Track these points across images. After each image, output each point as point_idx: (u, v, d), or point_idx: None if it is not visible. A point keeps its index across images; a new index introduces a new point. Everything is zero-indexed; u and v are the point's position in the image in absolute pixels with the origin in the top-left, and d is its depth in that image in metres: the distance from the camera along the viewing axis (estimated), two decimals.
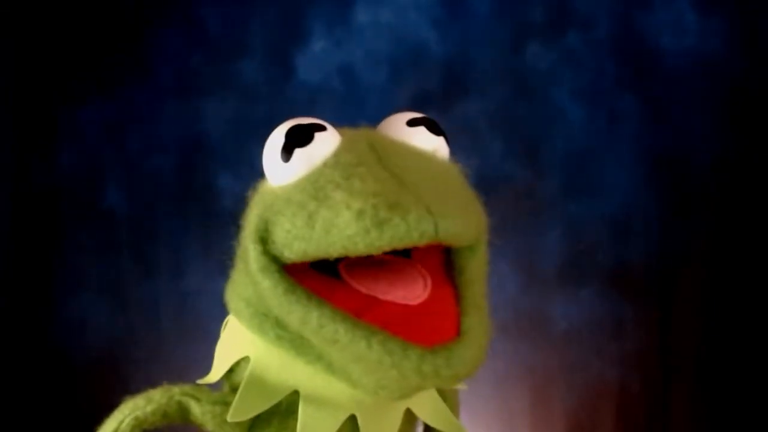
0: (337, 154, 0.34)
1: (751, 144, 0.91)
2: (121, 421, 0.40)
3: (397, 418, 0.37)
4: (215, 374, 0.40)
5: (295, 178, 0.35)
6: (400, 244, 0.30)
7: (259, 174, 1.01)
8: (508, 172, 0.91)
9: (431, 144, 0.37)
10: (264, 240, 0.35)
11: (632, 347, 0.93)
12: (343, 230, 0.31)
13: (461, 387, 0.44)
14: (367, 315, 0.32)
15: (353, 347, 0.32)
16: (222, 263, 0.95)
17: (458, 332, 0.32)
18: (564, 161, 0.92)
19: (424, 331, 0.32)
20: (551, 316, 0.92)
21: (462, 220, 0.32)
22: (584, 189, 0.92)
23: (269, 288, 0.34)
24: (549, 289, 0.90)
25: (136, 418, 0.39)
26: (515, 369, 0.90)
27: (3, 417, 0.93)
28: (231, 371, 0.39)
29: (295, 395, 0.36)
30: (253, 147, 1.04)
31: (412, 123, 0.37)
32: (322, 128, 0.35)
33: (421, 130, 0.37)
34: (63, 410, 0.94)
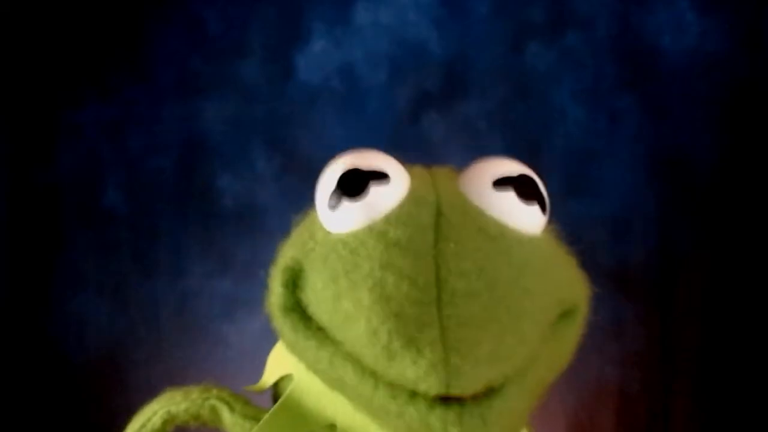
0: (391, 219, 0.30)
1: (751, 144, 0.91)
2: (155, 413, 0.39)
3: None
4: (262, 384, 0.39)
5: (340, 231, 0.31)
6: (405, 384, 0.27)
7: (258, 174, 1.01)
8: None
9: (518, 216, 0.31)
10: (294, 283, 0.31)
11: (632, 347, 0.93)
12: (356, 335, 0.28)
13: None
14: None
15: (360, 389, 0.29)
16: (222, 263, 0.96)
17: (489, 390, 0.27)
18: (564, 161, 0.92)
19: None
20: None
21: (486, 374, 0.27)
22: (584, 189, 0.92)
23: (288, 330, 0.31)
24: None
25: (169, 413, 0.39)
26: None
27: (2, 417, 0.93)
28: (277, 384, 0.38)
29: (331, 430, 0.34)
30: (253, 147, 1.05)
31: (499, 183, 0.31)
32: (383, 177, 0.30)
33: (509, 197, 0.31)
34: (62, 410, 0.94)
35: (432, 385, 0.26)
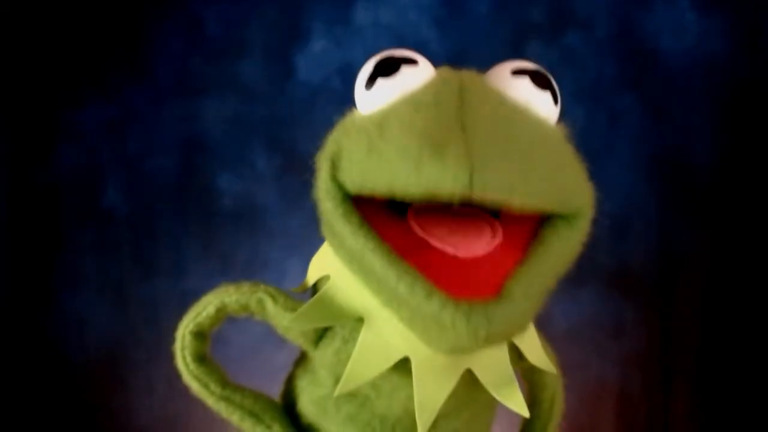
0: (419, 91, 0.34)
1: (751, 144, 0.91)
2: (209, 302, 0.42)
3: (454, 375, 0.36)
4: (304, 285, 0.42)
5: (375, 108, 0.34)
6: (435, 189, 0.29)
7: (258, 174, 1.01)
8: None
9: (532, 98, 0.35)
10: (334, 164, 0.34)
11: (632, 347, 0.93)
12: (389, 164, 0.31)
13: (551, 369, 0.42)
14: (411, 256, 0.32)
15: (385, 281, 0.31)
16: (222, 263, 0.96)
17: (497, 294, 0.31)
18: None
19: (460, 285, 0.31)
20: (551, 315, 0.92)
21: (509, 177, 0.29)
22: None
23: (330, 210, 0.34)
24: None
25: (222, 302, 0.41)
26: (515, 369, 0.90)
27: (2, 417, 0.93)
28: (316, 285, 0.41)
29: (361, 322, 0.37)
30: (253, 147, 1.05)
31: (517, 72, 0.35)
32: (413, 62, 0.35)
33: (525, 82, 0.35)
34: (62, 410, 0.94)
35: (458, 180, 0.28)
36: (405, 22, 0.94)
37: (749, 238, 0.91)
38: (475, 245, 0.33)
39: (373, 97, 0.35)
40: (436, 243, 0.33)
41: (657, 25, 0.92)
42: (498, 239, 0.34)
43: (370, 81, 0.35)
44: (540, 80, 0.36)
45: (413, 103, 0.32)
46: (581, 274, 1.00)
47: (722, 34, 0.91)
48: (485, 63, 0.98)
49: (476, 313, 0.29)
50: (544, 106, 0.35)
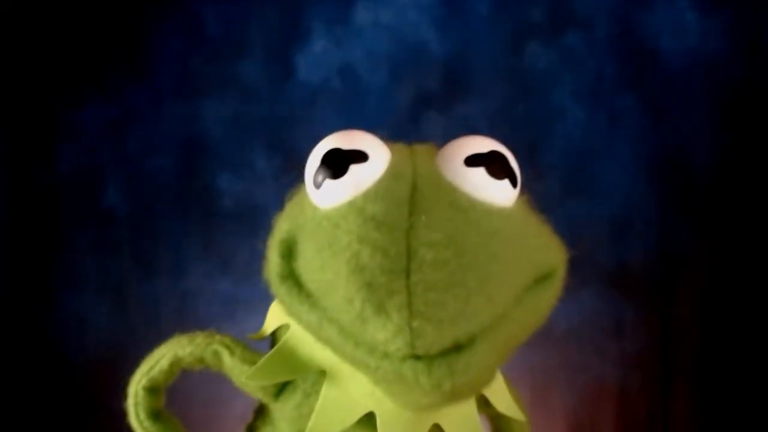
0: (369, 196, 0.32)
1: (751, 144, 0.91)
2: (163, 355, 0.41)
3: (421, 429, 0.35)
4: (262, 333, 0.41)
5: (325, 206, 0.33)
6: (379, 347, 0.29)
7: (258, 174, 1.01)
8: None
9: (488, 190, 0.32)
10: (290, 252, 0.34)
11: (632, 347, 0.93)
12: (336, 303, 0.30)
13: (519, 417, 0.41)
14: None
15: (343, 348, 0.31)
16: (222, 263, 0.95)
17: (454, 345, 0.29)
18: (564, 161, 0.92)
19: None
20: (551, 316, 0.92)
21: (450, 333, 0.29)
22: (584, 189, 0.92)
23: (284, 294, 0.34)
24: None
25: (176, 356, 0.41)
26: (515, 369, 0.90)
27: (2, 417, 0.93)
28: (275, 333, 0.40)
29: (323, 375, 0.36)
30: (253, 147, 1.05)
31: (470, 162, 0.33)
32: (362, 158, 0.33)
33: (479, 173, 0.32)
34: (62, 410, 0.94)
35: (399, 347, 0.28)
36: (405, 22, 0.94)
37: (749, 238, 0.91)
38: None
39: (322, 196, 0.33)
40: None
41: (657, 25, 0.92)
42: None
43: (318, 178, 0.33)
44: (495, 168, 0.33)
45: (363, 218, 0.31)
46: (581, 274, 1.00)
47: (722, 34, 0.91)
48: (485, 63, 0.98)
49: (438, 366, 0.29)
50: (500, 194, 0.33)
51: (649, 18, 0.92)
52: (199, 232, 0.94)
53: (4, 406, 0.93)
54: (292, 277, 0.33)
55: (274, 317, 0.40)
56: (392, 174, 0.33)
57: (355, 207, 0.31)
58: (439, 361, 0.29)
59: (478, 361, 0.30)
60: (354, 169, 0.32)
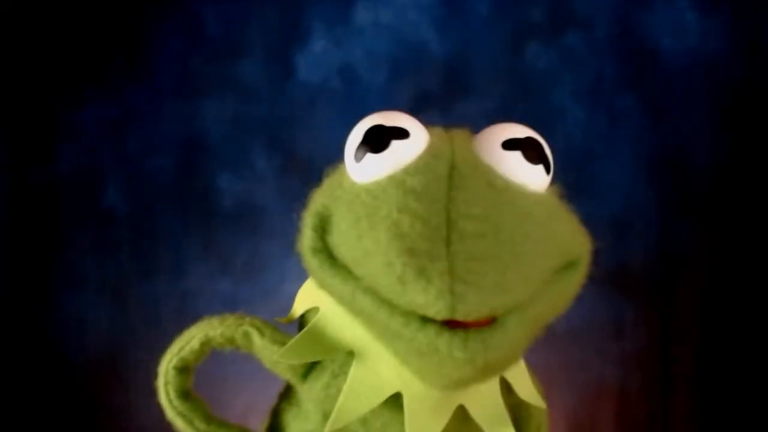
0: (410, 170, 0.33)
1: (751, 144, 0.91)
2: (193, 336, 0.41)
3: (447, 411, 0.36)
4: (291, 316, 0.42)
5: (364, 181, 0.34)
6: (418, 310, 0.29)
7: (258, 174, 1.01)
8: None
9: (523, 174, 0.34)
10: (323, 227, 0.34)
11: (632, 347, 0.93)
12: (375, 269, 0.30)
13: (539, 404, 0.42)
14: None
15: (378, 317, 0.31)
16: (222, 263, 0.95)
17: (492, 323, 0.30)
18: (564, 161, 0.91)
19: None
20: None
21: (489, 299, 0.29)
22: (584, 189, 0.92)
23: (316, 267, 0.34)
24: None
25: (206, 336, 0.41)
26: None
27: (2, 417, 0.93)
28: (304, 317, 0.40)
29: (351, 356, 0.37)
30: (253, 147, 1.05)
31: (507, 146, 0.35)
32: (404, 135, 0.34)
33: (515, 157, 0.34)
34: (62, 410, 0.94)
35: (440, 310, 0.29)
36: (405, 22, 0.94)
37: (749, 238, 0.91)
38: None
39: (362, 171, 0.34)
40: None
41: (657, 25, 0.92)
42: None
43: (359, 152, 0.34)
44: (531, 154, 0.35)
45: (401, 189, 0.32)
46: None
47: (722, 34, 0.91)
48: (485, 63, 0.98)
49: (472, 340, 0.29)
50: (535, 179, 0.35)
51: (649, 18, 0.92)
52: (199, 232, 0.94)
53: (4, 406, 0.93)
54: (325, 250, 0.34)
55: (303, 301, 0.41)
56: (432, 152, 0.34)
57: (396, 180, 0.32)
58: (474, 336, 0.29)
59: (511, 337, 0.30)
60: (395, 144, 0.33)
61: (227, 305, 0.91)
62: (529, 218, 0.32)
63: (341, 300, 0.34)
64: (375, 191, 0.32)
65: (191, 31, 0.94)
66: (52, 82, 0.94)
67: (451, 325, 0.30)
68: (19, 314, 0.94)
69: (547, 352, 0.92)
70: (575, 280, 0.36)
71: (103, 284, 0.95)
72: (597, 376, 0.93)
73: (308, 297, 0.40)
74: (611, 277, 0.92)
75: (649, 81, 0.92)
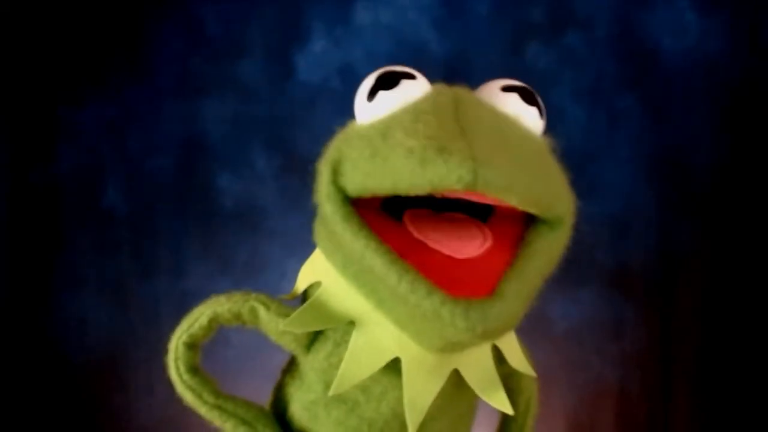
0: (418, 101, 0.36)
1: (751, 144, 0.91)
2: (202, 313, 0.43)
3: (442, 375, 0.38)
4: (294, 291, 0.43)
5: (376, 118, 0.36)
6: (440, 186, 0.31)
7: (258, 174, 1.01)
8: None
9: (521, 111, 0.37)
10: (335, 170, 0.36)
11: (632, 347, 0.93)
12: (394, 165, 0.32)
13: (529, 372, 0.44)
14: (410, 256, 0.34)
15: (386, 280, 0.33)
16: (222, 263, 0.95)
17: (492, 293, 0.33)
18: (564, 161, 0.92)
19: (457, 283, 0.33)
20: (551, 316, 0.92)
21: (508, 174, 0.32)
22: (584, 189, 0.91)
23: (330, 213, 0.35)
24: (549, 289, 0.90)
25: (214, 312, 0.42)
26: None
27: (2, 417, 0.93)
28: (306, 292, 0.42)
29: (352, 326, 0.38)
30: (253, 147, 1.05)
31: (506, 89, 0.38)
32: (411, 77, 0.37)
33: (513, 97, 0.38)
34: (63, 410, 0.94)
35: (463, 175, 0.30)
36: (405, 22, 0.94)
37: (749, 238, 0.91)
38: (469, 247, 0.36)
39: (374, 108, 0.37)
40: (433, 244, 0.35)
41: (657, 25, 0.92)
42: (489, 243, 0.36)
43: (372, 93, 0.37)
44: (528, 96, 0.38)
45: (413, 111, 0.35)
46: (581, 274, 1.00)
47: (722, 34, 0.91)
48: (485, 63, 0.98)
49: (474, 310, 0.31)
50: (531, 119, 0.38)
51: (649, 18, 0.92)
52: (199, 232, 0.94)
53: (4, 406, 0.93)
54: (339, 195, 0.35)
55: (305, 277, 0.42)
56: (436, 91, 0.37)
57: (407, 108, 0.35)
58: (476, 306, 0.31)
59: (509, 308, 0.33)
60: (405, 83, 0.37)
61: None
62: (529, 141, 0.36)
63: (349, 259, 0.36)
64: (387, 119, 0.35)
65: (191, 31, 0.94)
66: (52, 82, 0.94)
67: (453, 292, 0.32)
68: (19, 314, 0.94)
69: (547, 352, 0.92)
70: (560, 241, 0.37)
71: (103, 284, 0.95)
72: (597, 376, 0.93)
73: (311, 273, 0.42)
74: (611, 277, 0.92)
75: (649, 81, 0.92)
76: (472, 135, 0.32)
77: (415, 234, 0.36)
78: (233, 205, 0.94)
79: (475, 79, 0.90)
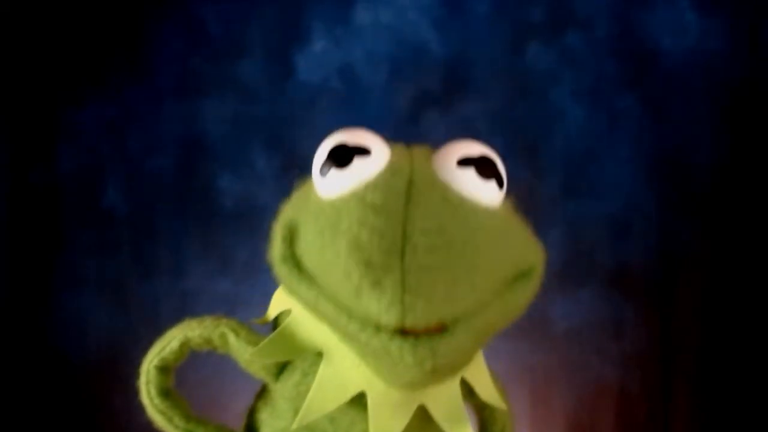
0: (370, 186, 0.35)
1: (751, 144, 0.91)
2: (173, 337, 0.43)
3: (408, 410, 0.38)
4: (266, 318, 0.43)
5: (329, 195, 0.36)
6: (371, 319, 0.32)
7: (258, 174, 1.01)
8: (508, 172, 0.91)
9: (476, 189, 0.36)
10: (291, 236, 0.37)
11: (632, 347, 0.93)
12: (335, 278, 0.33)
13: (500, 406, 0.44)
14: None
15: (337, 322, 0.34)
16: (222, 263, 0.95)
17: (441, 329, 0.33)
18: (564, 161, 0.92)
19: None
20: (551, 316, 0.92)
21: (438, 310, 0.32)
22: (584, 189, 0.92)
23: (285, 275, 0.36)
24: (549, 289, 0.89)
25: (185, 336, 0.43)
26: (515, 369, 0.90)
27: (2, 417, 0.93)
28: (277, 319, 0.42)
29: (320, 356, 0.39)
30: (253, 147, 1.05)
31: (462, 163, 0.36)
32: (365, 153, 0.36)
33: (469, 174, 0.36)
34: (63, 410, 0.94)
35: (390, 319, 0.31)
36: (405, 22, 0.94)
37: (749, 238, 0.91)
38: None
39: (327, 185, 0.36)
40: None
41: (657, 25, 0.92)
42: None
43: (325, 167, 0.36)
44: (484, 170, 0.36)
45: (362, 205, 0.34)
46: (581, 274, 1.00)
47: (722, 34, 0.91)
48: (485, 63, 0.98)
49: (422, 346, 0.32)
50: (488, 194, 0.36)
51: (649, 18, 0.92)
52: (199, 232, 0.94)
53: (4, 406, 0.93)
54: (292, 258, 0.36)
55: (277, 304, 0.42)
56: (391, 169, 0.36)
57: (357, 195, 0.34)
58: (423, 342, 0.32)
59: (458, 344, 0.33)
60: (357, 161, 0.36)
61: (227, 305, 0.92)
62: (481, 232, 0.34)
63: (307, 304, 0.36)
64: (338, 205, 0.35)
65: (191, 31, 0.94)
66: (52, 82, 0.94)
67: (403, 331, 0.32)
68: (19, 314, 0.94)
69: (547, 352, 0.92)
70: (528, 291, 0.37)
71: (103, 284, 0.95)
72: (597, 376, 0.93)
73: (282, 300, 0.42)
74: (611, 277, 0.92)
75: (649, 81, 0.92)
76: (412, 259, 0.32)
77: None
78: (233, 205, 0.94)
79: (475, 79, 0.90)
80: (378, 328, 0.32)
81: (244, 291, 0.92)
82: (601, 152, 0.92)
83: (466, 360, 0.36)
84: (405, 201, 0.34)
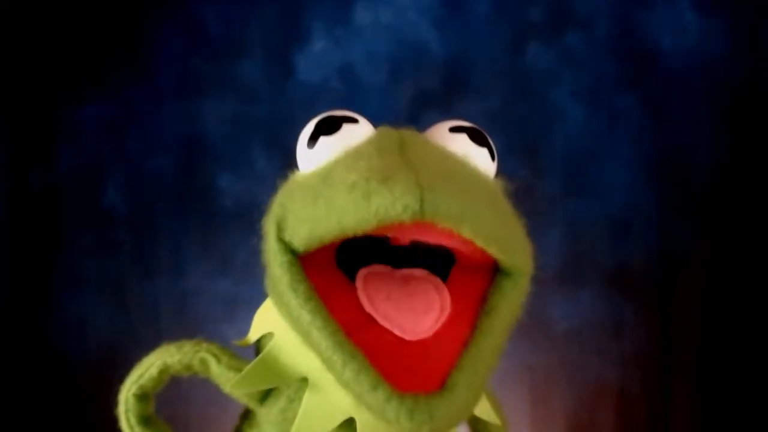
0: (360, 144, 0.34)
1: (751, 144, 0.91)
2: (152, 363, 0.42)
3: None
4: (247, 340, 0.42)
5: (317, 165, 0.35)
6: (386, 218, 0.29)
7: (258, 174, 1.01)
8: (507, 172, 0.90)
9: (471, 151, 0.36)
10: (279, 226, 0.35)
11: (632, 347, 0.93)
12: (338, 204, 0.31)
13: (495, 421, 0.42)
14: (357, 335, 0.32)
15: (331, 363, 0.32)
16: (222, 263, 0.95)
17: (441, 386, 0.31)
18: (564, 161, 0.92)
19: (405, 374, 0.31)
20: (551, 316, 0.92)
21: (458, 202, 0.30)
22: (584, 189, 0.92)
23: (278, 275, 0.34)
24: (549, 289, 0.90)
25: (164, 363, 0.41)
26: (515, 369, 0.90)
27: (2, 417, 0.93)
28: (259, 342, 0.41)
29: (305, 382, 0.37)
30: (253, 147, 1.05)
31: (455, 130, 0.37)
32: (353, 120, 0.36)
33: (462, 138, 0.36)
34: (62, 410, 0.94)
35: (409, 203, 0.28)
36: (405, 22, 0.94)
37: (749, 238, 0.91)
38: (423, 324, 0.34)
39: (315, 155, 0.35)
40: (383, 321, 0.33)
41: (657, 25, 0.92)
42: (445, 313, 0.34)
43: (312, 140, 0.36)
44: (477, 137, 0.36)
45: (356, 153, 0.33)
46: (581, 274, 1.00)
47: (722, 34, 0.91)
48: (485, 63, 0.98)
49: (419, 410, 0.30)
50: (482, 160, 0.36)
51: (649, 18, 0.92)
52: (199, 232, 0.94)
53: (4, 407, 0.93)
54: (286, 254, 0.34)
55: (259, 326, 0.41)
56: (381, 133, 0.36)
57: (349, 152, 0.34)
58: (422, 406, 0.30)
59: (458, 403, 0.31)
60: (346, 127, 0.35)
61: (227, 305, 0.92)
62: (482, 177, 0.34)
63: (296, 327, 0.34)
64: (328, 165, 0.34)
65: (191, 31, 0.94)
66: (52, 82, 0.94)
67: (402, 388, 0.30)
68: (19, 314, 0.94)
69: (547, 352, 0.92)
70: (520, 296, 0.35)
71: (103, 284, 0.94)
72: (597, 376, 0.93)
73: (264, 322, 0.40)
74: (611, 277, 0.92)
75: (649, 81, 0.92)
76: (419, 166, 0.30)
77: (366, 305, 0.34)
78: (233, 205, 0.94)
79: (475, 79, 0.90)
80: (375, 384, 0.30)
81: (244, 291, 0.92)
82: (601, 152, 0.92)
83: (464, 417, 0.34)
84: (399, 147, 0.33)
